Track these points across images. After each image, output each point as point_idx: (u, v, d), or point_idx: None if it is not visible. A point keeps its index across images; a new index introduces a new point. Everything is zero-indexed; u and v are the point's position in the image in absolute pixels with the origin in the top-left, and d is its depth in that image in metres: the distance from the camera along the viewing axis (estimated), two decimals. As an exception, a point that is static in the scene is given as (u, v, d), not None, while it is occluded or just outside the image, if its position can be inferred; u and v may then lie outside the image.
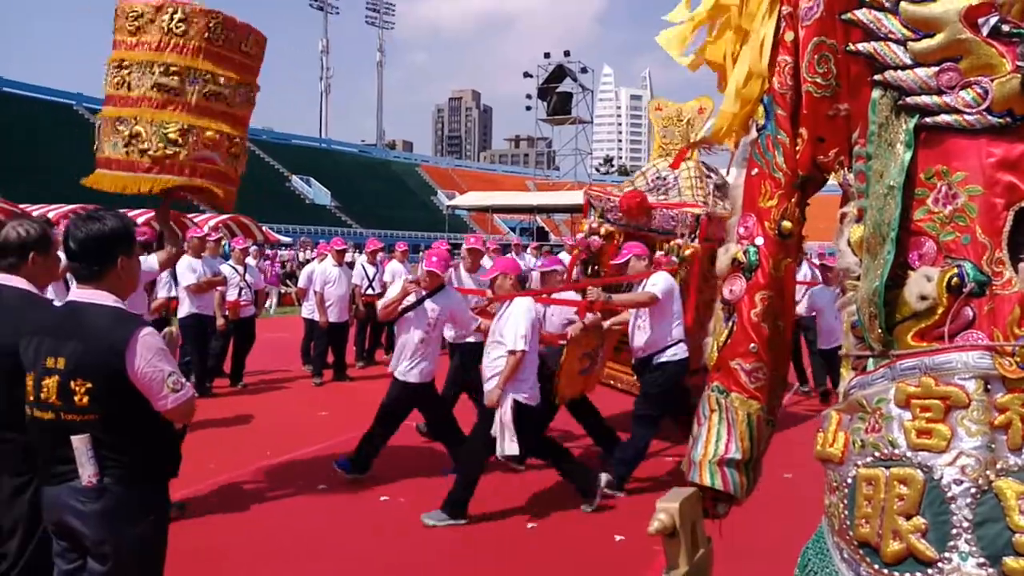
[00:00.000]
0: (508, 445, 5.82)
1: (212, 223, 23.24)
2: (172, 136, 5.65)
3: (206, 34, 5.72)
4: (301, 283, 12.52)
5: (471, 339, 7.83)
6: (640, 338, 6.88)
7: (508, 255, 16.54)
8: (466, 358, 8.03)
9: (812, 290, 9.99)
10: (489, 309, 7.14)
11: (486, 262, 9.78)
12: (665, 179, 7.99)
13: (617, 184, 10.14)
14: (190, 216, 26.84)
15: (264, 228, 31.23)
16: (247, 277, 11.47)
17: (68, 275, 4.28)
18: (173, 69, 5.63)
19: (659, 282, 6.74)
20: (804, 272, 10.39)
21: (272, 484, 6.81)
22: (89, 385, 2.87)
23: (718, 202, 7.74)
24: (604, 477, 6.25)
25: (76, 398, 2.87)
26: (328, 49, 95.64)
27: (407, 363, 6.64)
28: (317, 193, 60.33)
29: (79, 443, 2.87)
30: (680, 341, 6.75)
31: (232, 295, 11.07)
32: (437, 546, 5.54)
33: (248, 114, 6.35)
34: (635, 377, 7.23)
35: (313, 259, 15.06)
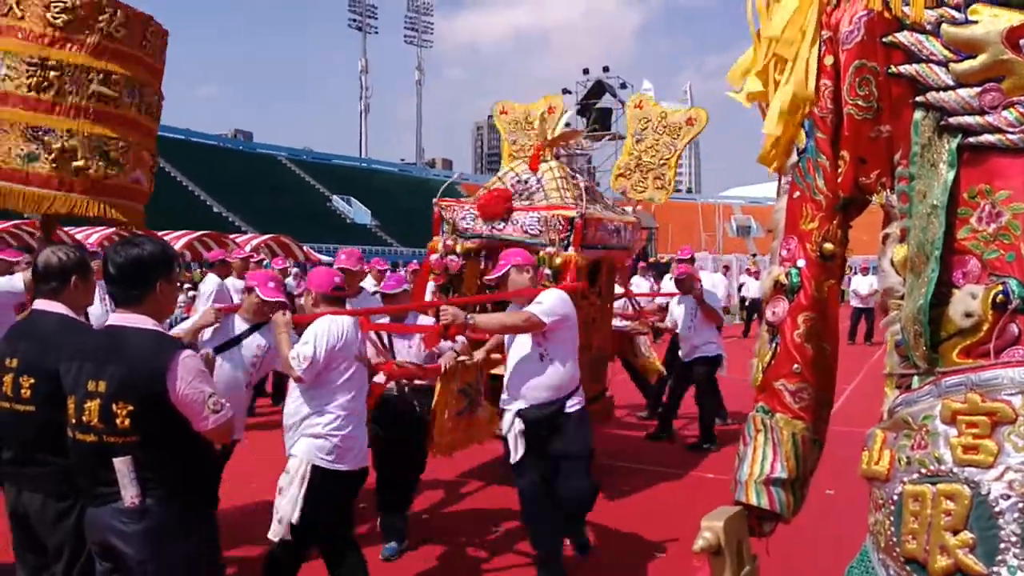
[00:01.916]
0: (274, 527, 4.24)
1: (253, 243, 23.64)
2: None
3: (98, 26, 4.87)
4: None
5: None
6: (545, 377, 4.95)
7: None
8: None
9: (671, 301, 9.47)
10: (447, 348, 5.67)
11: (368, 284, 8.41)
12: (527, 182, 6.88)
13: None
14: (232, 237, 27.37)
15: (305, 248, 31.72)
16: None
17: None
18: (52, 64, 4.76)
19: (547, 300, 4.95)
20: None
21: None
22: (131, 407, 2.91)
23: (588, 206, 6.63)
24: None
25: (118, 421, 2.91)
26: (367, 69, 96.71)
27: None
28: (358, 212, 60.89)
29: (121, 465, 2.92)
30: (579, 386, 5.11)
31: None
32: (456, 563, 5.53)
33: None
34: (513, 433, 5.06)
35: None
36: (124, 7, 5.01)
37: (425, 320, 5.88)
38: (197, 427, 3.03)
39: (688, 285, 8.81)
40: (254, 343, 4.99)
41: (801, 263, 2.08)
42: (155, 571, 2.97)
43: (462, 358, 5.52)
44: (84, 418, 2.94)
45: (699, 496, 6.91)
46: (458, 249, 6.88)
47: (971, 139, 1.72)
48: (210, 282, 10.28)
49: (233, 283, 10.25)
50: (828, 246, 2.08)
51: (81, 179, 4.83)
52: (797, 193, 2.11)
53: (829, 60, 2.00)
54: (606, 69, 59.06)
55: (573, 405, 4.99)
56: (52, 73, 4.72)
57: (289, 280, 12.85)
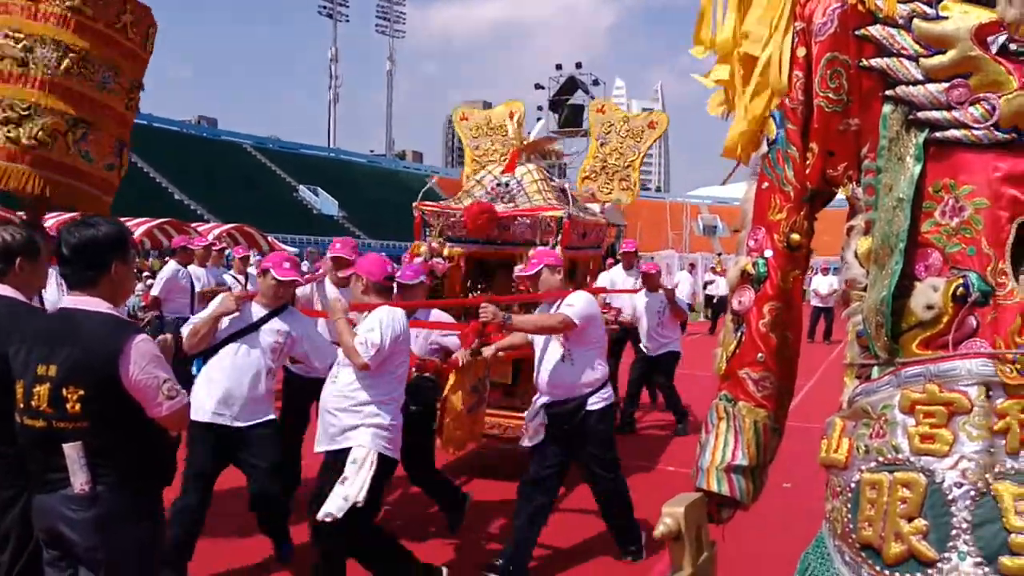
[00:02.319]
0: (336, 502, 4.15)
1: (216, 232, 23.36)
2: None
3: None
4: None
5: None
6: (564, 375, 5.19)
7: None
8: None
9: (633, 297, 9.45)
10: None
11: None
12: (507, 185, 7.04)
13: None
14: (194, 225, 27.03)
15: (270, 238, 31.37)
16: (249, 286, 11.49)
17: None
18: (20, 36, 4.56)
19: (577, 303, 5.16)
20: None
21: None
22: (82, 392, 2.83)
23: (563, 207, 6.84)
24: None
25: (68, 406, 2.83)
26: (337, 57, 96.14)
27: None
28: (325, 203, 60.49)
29: (71, 451, 2.85)
30: (607, 382, 5.31)
31: None
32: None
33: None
34: (534, 422, 5.36)
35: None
36: None
37: (438, 315, 5.92)
38: (151, 413, 2.94)
39: (655, 282, 9.04)
40: (273, 328, 4.93)
41: (768, 253, 2.10)
42: (104, 559, 2.90)
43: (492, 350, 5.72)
44: (33, 403, 2.86)
45: (665, 489, 6.94)
46: (444, 252, 7.00)
47: (937, 134, 1.75)
48: (168, 268, 10.14)
49: (194, 271, 10.13)
50: (795, 237, 2.10)
51: (32, 151, 4.54)
52: (766, 184, 2.13)
53: (801, 51, 2.02)
54: (579, 65, 59.08)
55: (595, 403, 5.16)
56: (19, 42, 4.53)
57: (251, 270, 12.68)
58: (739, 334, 2.14)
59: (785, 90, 2.05)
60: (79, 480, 2.85)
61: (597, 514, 5.93)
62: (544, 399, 5.26)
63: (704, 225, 73.25)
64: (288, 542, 5.24)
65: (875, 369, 1.83)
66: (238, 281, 11.27)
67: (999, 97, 1.68)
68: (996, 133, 1.69)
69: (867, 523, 1.73)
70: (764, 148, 2.13)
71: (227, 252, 14.78)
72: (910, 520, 1.66)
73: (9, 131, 4.52)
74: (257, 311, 4.95)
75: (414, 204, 7.32)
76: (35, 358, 2.90)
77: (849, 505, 1.78)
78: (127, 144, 5.33)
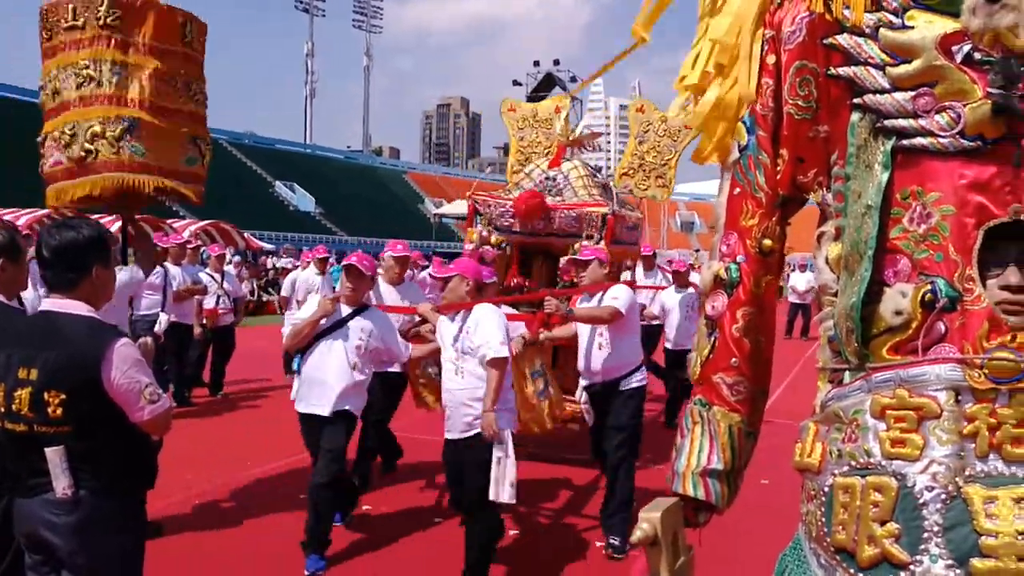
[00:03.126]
0: (507, 490, 4.72)
1: (191, 229, 23.20)
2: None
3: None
4: (284, 291, 12.45)
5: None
6: (599, 360, 5.87)
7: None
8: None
9: (660, 293, 10.12)
10: (423, 332, 6.11)
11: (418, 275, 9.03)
12: (554, 179, 7.54)
13: (501, 183, 9.39)
14: (169, 222, 26.81)
15: (246, 235, 31.18)
16: (225, 285, 11.40)
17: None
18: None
19: (621, 295, 5.85)
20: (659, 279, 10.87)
21: (251, 494, 6.78)
22: (63, 396, 2.81)
23: (608, 202, 7.30)
24: None
25: (50, 410, 2.81)
26: (313, 53, 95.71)
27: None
28: (301, 199, 60.25)
29: (53, 455, 2.83)
30: (641, 366, 5.94)
31: (210, 303, 10.95)
32: (420, 555, 5.57)
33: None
34: (585, 405, 6.20)
35: (297, 267, 15.06)
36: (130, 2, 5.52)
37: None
38: (133, 418, 2.93)
39: (685, 279, 9.74)
40: (357, 326, 5.38)
41: (740, 258, 2.12)
42: (86, 564, 2.89)
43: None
44: (14, 407, 2.84)
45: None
46: (493, 240, 7.51)
47: (905, 142, 1.77)
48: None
49: (170, 269, 10.04)
50: (767, 242, 2.12)
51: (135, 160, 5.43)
52: (737, 189, 2.15)
53: (771, 59, 2.04)
54: (556, 62, 59.27)
55: (627, 384, 5.82)
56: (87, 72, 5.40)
57: (229, 268, 12.58)
58: (712, 339, 2.16)
59: (753, 97, 2.07)
60: (61, 484, 2.84)
61: (585, 517, 6.01)
62: (585, 381, 6.10)
63: (682, 222, 73.64)
64: (349, 512, 5.96)
65: (847, 374, 1.85)
66: (214, 279, 11.20)
67: (964, 105, 1.70)
68: (962, 141, 1.71)
69: (841, 527, 1.75)
70: (735, 154, 2.15)
71: (202, 250, 14.65)
72: (882, 524, 1.68)
73: (109, 147, 5.37)
74: (343, 309, 5.45)
75: (468, 194, 7.91)
76: (16, 361, 2.87)
77: (823, 509, 1.80)
78: (202, 138, 6.07)
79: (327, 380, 5.30)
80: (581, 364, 6.10)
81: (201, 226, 27.64)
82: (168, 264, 10.11)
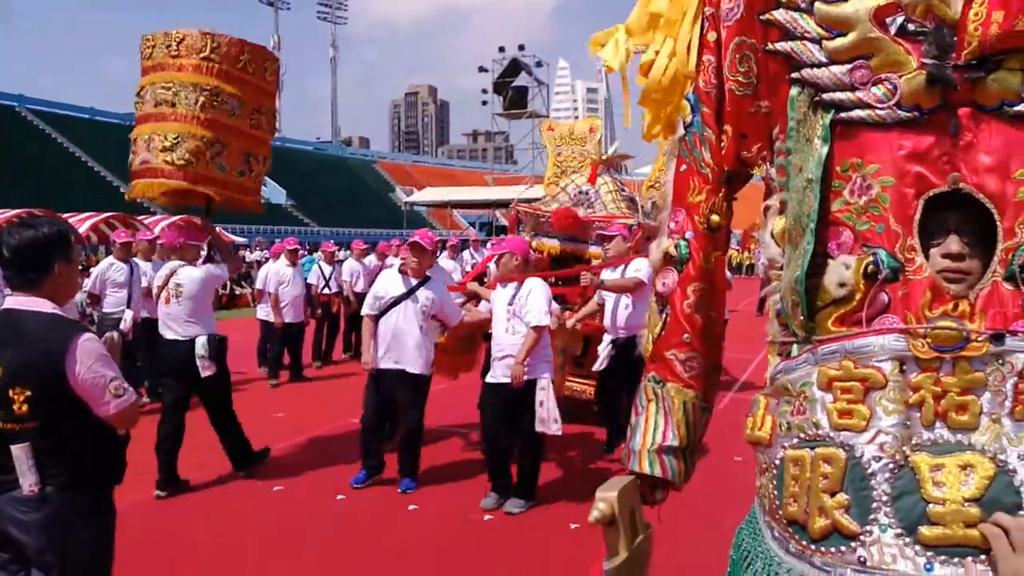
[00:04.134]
0: (552, 425, 6.02)
1: (163, 224, 22.99)
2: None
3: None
4: (258, 284, 12.38)
5: None
6: (623, 317, 7.34)
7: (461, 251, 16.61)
8: None
9: None
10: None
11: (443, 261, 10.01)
12: (587, 193, 8.63)
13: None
14: (140, 218, 26.52)
15: (217, 228, 30.88)
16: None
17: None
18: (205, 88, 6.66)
19: (643, 267, 6.97)
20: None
21: (227, 486, 6.78)
22: (28, 393, 2.84)
23: (634, 215, 8.47)
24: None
25: (15, 407, 2.84)
26: (280, 45, 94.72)
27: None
28: (272, 192, 59.73)
29: (19, 452, 2.85)
30: None
31: None
32: (393, 542, 5.59)
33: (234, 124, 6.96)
34: (607, 349, 7.59)
35: (267, 259, 14.98)
36: (223, 37, 6.81)
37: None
38: (98, 412, 2.95)
39: None
40: (424, 295, 6.59)
41: (689, 235, 2.13)
42: (55, 561, 2.90)
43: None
44: None
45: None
46: (534, 245, 8.35)
47: (843, 114, 1.77)
48: (102, 263, 9.98)
49: (142, 265, 9.97)
50: (715, 218, 2.12)
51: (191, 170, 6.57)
52: (684, 166, 2.15)
53: (712, 36, 2.04)
54: (522, 48, 59.00)
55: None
56: (198, 91, 6.60)
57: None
58: (664, 316, 2.16)
59: (693, 74, 2.08)
60: (27, 481, 2.86)
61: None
62: (611, 336, 7.49)
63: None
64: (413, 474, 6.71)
65: (794, 347, 1.86)
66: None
67: (900, 77, 1.71)
68: (898, 112, 1.72)
69: (792, 499, 1.76)
70: (681, 131, 2.15)
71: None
72: (832, 495, 1.69)
73: (166, 156, 6.53)
74: (409, 282, 6.63)
75: (511, 205, 9.65)
76: None
77: (775, 482, 1.82)
78: (255, 155, 7.19)
79: (401, 339, 6.51)
80: (608, 322, 7.52)
81: (173, 221, 27.32)
82: (138, 260, 10.03)
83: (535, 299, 6.11)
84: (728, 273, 11.24)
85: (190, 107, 6.55)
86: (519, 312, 6.15)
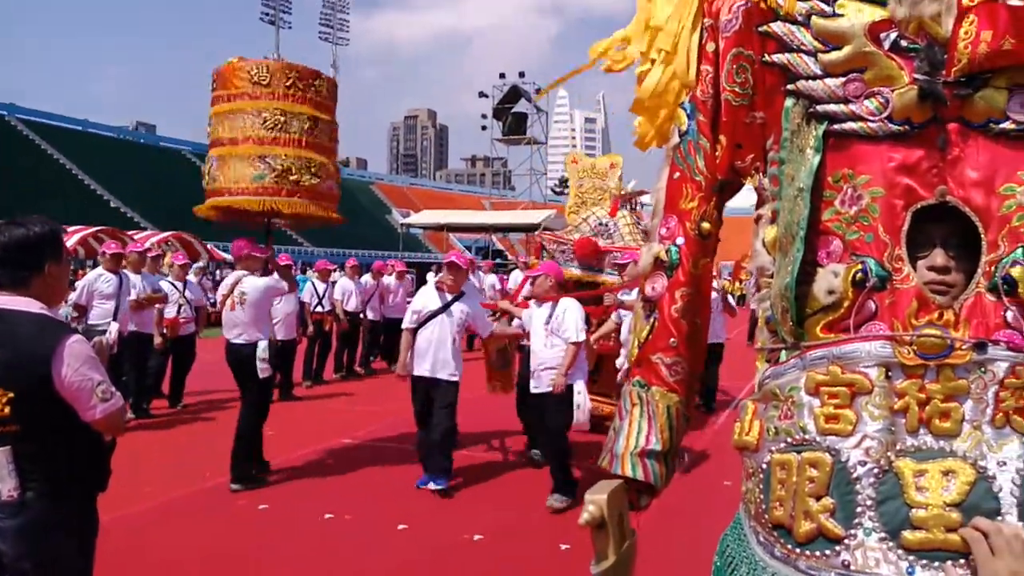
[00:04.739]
0: (580, 417, 6.78)
1: (154, 240, 23.02)
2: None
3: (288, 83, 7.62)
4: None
5: None
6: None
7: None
8: None
9: None
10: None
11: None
12: (606, 225, 9.24)
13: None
14: (130, 233, 26.53)
15: (209, 246, 30.84)
16: (187, 293, 11.30)
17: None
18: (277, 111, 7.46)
19: None
20: None
21: (212, 504, 6.74)
22: (11, 395, 2.78)
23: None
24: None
25: None
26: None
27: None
28: (267, 211, 59.66)
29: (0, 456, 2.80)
30: None
31: (171, 312, 10.86)
32: (382, 562, 5.56)
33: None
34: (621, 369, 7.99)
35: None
36: (297, 67, 7.72)
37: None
38: (84, 416, 2.90)
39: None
40: (458, 308, 7.34)
41: (680, 241, 2.16)
42: (32, 569, 2.84)
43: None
44: None
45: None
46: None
47: (836, 126, 1.82)
48: (90, 274, 9.92)
49: (131, 277, 9.94)
50: (705, 225, 2.16)
51: (295, 187, 7.43)
52: (677, 174, 2.18)
53: (711, 47, 2.08)
54: (522, 75, 59.43)
55: None
56: (268, 116, 7.40)
57: (191, 277, 12.42)
58: (652, 320, 2.19)
59: (692, 83, 2.12)
60: (7, 486, 2.80)
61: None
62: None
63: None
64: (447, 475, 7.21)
65: (783, 353, 1.89)
66: (176, 288, 11.10)
67: (892, 91, 1.75)
68: (890, 125, 1.76)
69: (778, 503, 1.78)
70: (675, 139, 2.19)
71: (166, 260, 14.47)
72: (818, 499, 1.71)
73: (263, 175, 7.33)
74: (445, 297, 7.34)
75: (536, 233, 10.43)
76: None
77: (761, 486, 1.84)
78: (328, 166, 7.94)
79: (437, 349, 7.18)
80: (624, 337, 8.00)
81: (163, 237, 27.34)
82: (127, 272, 10.00)
83: (571, 317, 6.88)
84: (731, 299, 11.85)
85: (298, 133, 7.48)
86: (556, 329, 6.89)
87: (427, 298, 7.47)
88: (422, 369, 7.24)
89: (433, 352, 7.20)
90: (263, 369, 7.41)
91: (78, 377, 2.86)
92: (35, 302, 2.95)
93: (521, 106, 58.54)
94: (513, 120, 58.24)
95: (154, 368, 10.71)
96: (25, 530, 2.82)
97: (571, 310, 6.96)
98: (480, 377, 8.72)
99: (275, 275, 8.02)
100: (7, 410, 2.78)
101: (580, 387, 6.85)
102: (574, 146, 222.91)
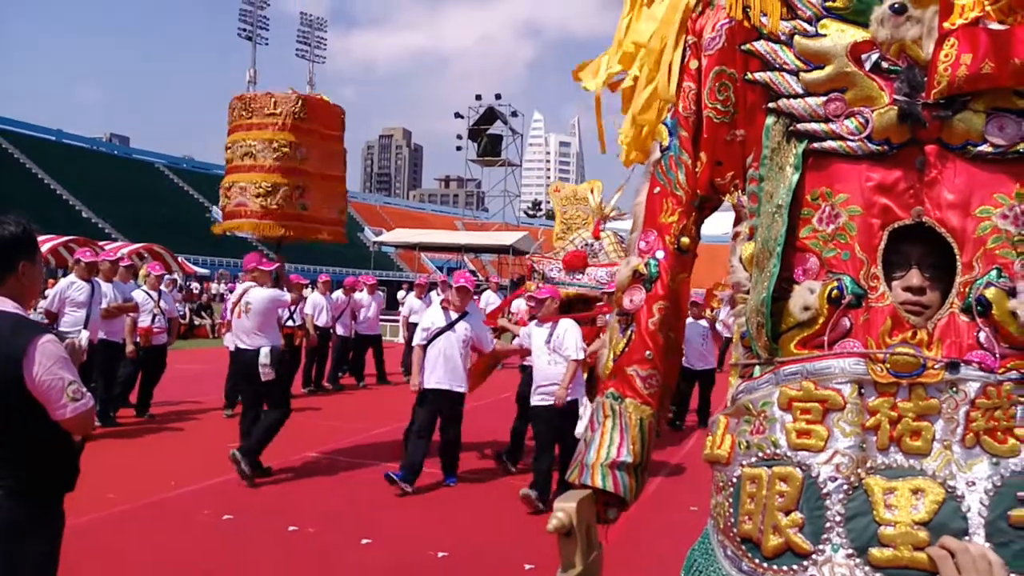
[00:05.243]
0: (581, 428, 6.86)
1: (124, 251, 22.83)
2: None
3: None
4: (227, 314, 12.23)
5: None
6: None
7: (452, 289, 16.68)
8: None
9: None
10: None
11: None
12: (592, 245, 9.68)
13: (546, 227, 11.66)
14: (101, 243, 26.29)
15: (180, 259, 30.63)
16: (162, 303, 11.20)
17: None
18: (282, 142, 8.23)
19: None
20: None
21: (175, 514, 6.64)
22: None
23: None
24: None
25: None
26: (256, 80, 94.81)
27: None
28: (237, 225, 59.42)
29: None
30: None
31: (145, 321, 10.75)
32: None
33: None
34: None
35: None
36: (306, 98, 8.46)
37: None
38: (55, 416, 2.87)
39: (699, 311, 11.93)
40: (463, 327, 7.96)
41: (660, 255, 2.17)
42: (2, 568, 2.81)
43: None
44: None
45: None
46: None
47: (816, 145, 1.84)
48: (62, 281, 9.78)
49: (102, 286, 9.81)
50: (685, 240, 2.17)
51: (297, 213, 8.38)
52: (657, 189, 2.20)
53: (694, 64, 2.10)
54: (498, 97, 59.61)
55: None
56: (275, 147, 8.16)
57: (163, 288, 12.26)
58: (628, 332, 2.19)
59: (673, 99, 2.14)
60: None
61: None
62: None
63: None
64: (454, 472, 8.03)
65: (757, 368, 1.90)
66: (151, 297, 11.00)
67: (872, 111, 1.77)
68: (869, 145, 1.78)
69: (747, 517, 1.79)
70: (656, 154, 2.20)
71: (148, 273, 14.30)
72: (787, 513, 1.72)
73: (261, 201, 8.18)
74: (450, 316, 8.03)
75: (526, 257, 10.80)
76: None
77: (731, 500, 1.84)
78: (334, 193, 8.97)
79: (446, 363, 7.80)
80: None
81: (134, 248, 27.09)
82: (99, 280, 9.87)
83: (571, 337, 7.44)
84: (720, 327, 12.22)
85: (278, 159, 8.15)
86: (557, 348, 7.46)
87: (435, 316, 8.15)
88: (431, 381, 7.83)
89: (441, 366, 7.82)
90: (265, 373, 7.90)
91: (49, 376, 2.84)
92: (8, 301, 2.92)
93: (496, 128, 58.78)
94: (488, 141, 58.42)
95: (123, 376, 10.58)
96: None
97: (571, 330, 7.49)
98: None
99: (276, 290, 8.46)
100: None
101: (585, 401, 7.44)
102: (548, 169, 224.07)
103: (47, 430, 2.91)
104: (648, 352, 2.15)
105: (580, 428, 6.94)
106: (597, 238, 9.75)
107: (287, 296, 8.72)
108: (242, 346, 8.15)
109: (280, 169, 8.21)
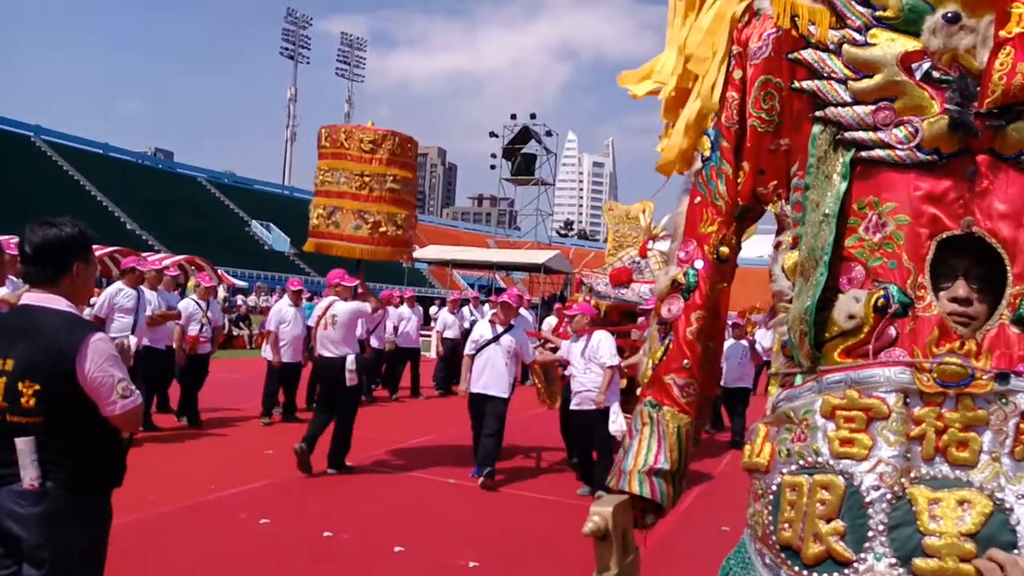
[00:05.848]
0: (615, 426, 7.85)
1: (166, 263, 23.20)
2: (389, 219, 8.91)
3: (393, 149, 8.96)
4: (267, 325, 12.33)
5: None
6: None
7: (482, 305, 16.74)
8: None
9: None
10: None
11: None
12: (638, 263, 10.15)
13: (577, 247, 11.89)
14: (144, 255, 26.71)
15: (220, 271, 31.04)
16: (210, 313, 11.37)
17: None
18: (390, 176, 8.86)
19: None
20: None
21: (214, 517, 6.71)
22: (37, 387, 2.86)
23: None
24: None
25: (23, 400, 2.85)
26: (296, 98, 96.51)
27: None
28: (276, 239, 60.13)
29: (23, 445, 2.85)
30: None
31: (193, 330, 10.96)
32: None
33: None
34: None
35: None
36: (398, 135, 8.96)
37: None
38: (104, 412, 2.97)
39: (742, 331, 12.47)
40: (508, 339, 8.84)
41: (699, 264, 2.17)
42: (49, 557, 2.88)
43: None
44: None
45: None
46: (592, 303, 9.65)
47: (863, 153, 1.83)
48: (111, 287, 9.94)
49: (146, 293, 9.96)
50: (724, 250, 2.17)
51: (382, 237, 8.82)
52: (698, 199, 2.20)
53: (738, 74, 2.10)
54: (533, 116, 59.68)
55: None
56: (366, 178, 8.74)
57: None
58: (667, 341, 2.19)
59: (717, 109, 2.14)
60: (29, 475, 2.85)
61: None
62: None
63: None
64: (492, 466, 8.42)
65: (798, 377, 1.88)
66: (200, 307, 11.18)
67: (922, 120, 1.77)
68: (918, 154, 1.77)
69: (787, 524, 1.77)
70: (698, 164, 2.21)
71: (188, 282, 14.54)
72: (828, 521, 1.70)
73: (360, 227, 8.74)
74: (496, 329, 8.93)
75: (576, 271, 11.40)
76: None
77: (770, 508, 1.83)
78: (409, 217, 9.32)
79: (491, 371, 8.65)
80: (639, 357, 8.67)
81: (176, 260, 27.53)
82: (144, 288, 10.04)
83: (605, 346, 8.10)
84: (759, 348, 12.33)
85: (372, 190, 8.77)
86: (593, 357, 8.09)
87: (483, 329, 9.09)
88: (477, 387, 8.73)
89: (487, 373, 8.68)
90: (350, 379, 8.67)
91: (100, 373, 2.94)
92: (63, 300, 3.03)
93: (531, 147, 58.84)
94: (522, 160, 58.45)
95: (160, 382, 10.85)
96: (45, 518, 2.87)
97: (604, 340, 8.15)
98: (520, 401, 10.08)
99: (359, 302, 9.20)
100: (33, 402, 2.85)
101: (616, 408, 8.00)
102: (581, 189, 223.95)
103: (96, 426, 2.99)
104: (686, 361, 2.16)
105: (612, 428, 7.86)
106: (644, 256, 10.15)
107: (368, 306, 9.39)
108: (328, 354, 8.83)
109: (390, 200, 8.89)
